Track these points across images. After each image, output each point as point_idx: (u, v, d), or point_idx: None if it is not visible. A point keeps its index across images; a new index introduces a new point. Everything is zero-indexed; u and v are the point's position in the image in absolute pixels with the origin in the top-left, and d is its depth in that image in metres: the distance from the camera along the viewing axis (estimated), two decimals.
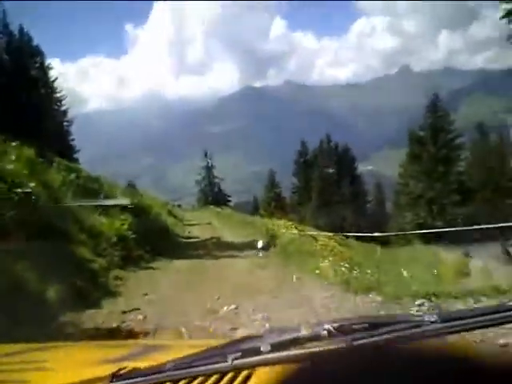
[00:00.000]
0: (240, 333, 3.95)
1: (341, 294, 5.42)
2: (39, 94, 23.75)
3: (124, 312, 4.85)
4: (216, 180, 52.41)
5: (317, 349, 0.67)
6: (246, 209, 43.96)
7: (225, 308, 4.79)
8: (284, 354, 0.68)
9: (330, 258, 7.76)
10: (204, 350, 0.82)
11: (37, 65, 25.07)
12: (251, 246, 11.60)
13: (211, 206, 37.23)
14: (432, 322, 0.68)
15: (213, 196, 49.59)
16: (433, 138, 32.23)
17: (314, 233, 12.58)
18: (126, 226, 8.91)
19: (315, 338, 0.70)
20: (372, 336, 0.67)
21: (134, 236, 8.92)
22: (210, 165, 52.15)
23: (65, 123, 28.67)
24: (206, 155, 52.48)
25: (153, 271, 8.07)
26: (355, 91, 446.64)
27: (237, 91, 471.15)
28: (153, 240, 10.58)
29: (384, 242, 24.30)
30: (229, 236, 15.37)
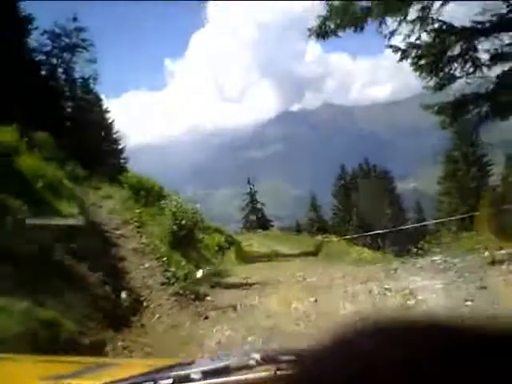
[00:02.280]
0: (309, 280, 8.11)
1: (364, 266, 9.56)
2: (100, 136, 27.78)
3: (244, 278, 9.27)
4: (258, 205, 56.12)
5: (243, 377, 0.70)
6: (289, 232, 46.94)
7: (297, 274, 9.05)
8: (212, 381, 0.70)
9: (360, 255, 11.81)
10: (133, 376, 0.85)
11: (97, 109, 29.72)
12: (303, 254, 15.79)
13: (258, 230, 40.90)
14: None
15: (257, 221, 53.20)
16: (463, 156, 34.92)
17: (347, 237, 16.55)
18: (223, 239, 13.51)
19: (243, 366, 0.73)
20: (295, 368, 0.65)
21: (227, 246, 13.49)
22: (252, 191, 55.93)
23: (121, 161, 32.87)
24: (248, 182, 56.29)
25: (243, 267, 12.44)
26: (395, 109, 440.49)
27: (275, 116, 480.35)
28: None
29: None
30: (283, 250, 19.41)
